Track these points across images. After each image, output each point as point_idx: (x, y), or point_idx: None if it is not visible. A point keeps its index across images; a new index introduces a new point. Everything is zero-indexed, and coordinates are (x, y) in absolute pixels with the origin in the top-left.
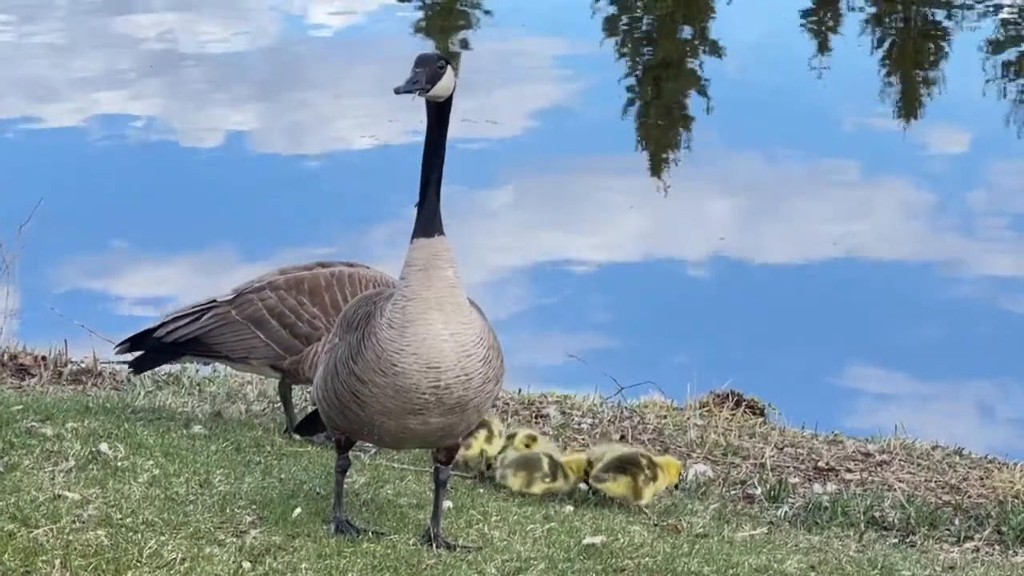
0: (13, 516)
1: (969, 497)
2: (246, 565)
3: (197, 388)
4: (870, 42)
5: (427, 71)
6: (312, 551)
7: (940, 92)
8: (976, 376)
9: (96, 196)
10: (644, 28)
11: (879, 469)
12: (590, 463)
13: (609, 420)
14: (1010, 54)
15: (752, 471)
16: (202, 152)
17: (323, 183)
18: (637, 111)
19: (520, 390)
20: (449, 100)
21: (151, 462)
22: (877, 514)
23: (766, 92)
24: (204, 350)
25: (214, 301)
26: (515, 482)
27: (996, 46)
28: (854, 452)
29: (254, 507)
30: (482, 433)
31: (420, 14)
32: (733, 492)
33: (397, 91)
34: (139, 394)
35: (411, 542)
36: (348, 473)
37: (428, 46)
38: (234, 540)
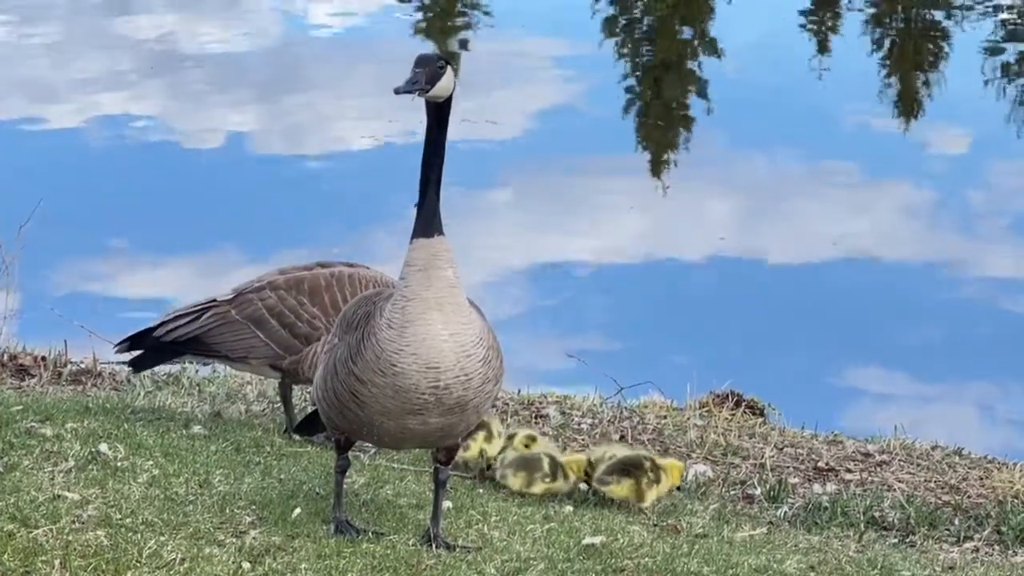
0: (13, 516)
1: (969, 497)
2: (246, 565)
3: (197, 388)
4: (870, 42)
5: (427, 71)
6: (312, 551)
7: (940, 92)
8: (976, 376)
9: (96, 197)
10: (644, 28)
11: (879, 469)
12: (591, 463)
13: (609, 420)
14: (1010, 55)
15: (752, 471)
16: (202, 152)
17: (323, 183)
18: (637, 111)
19: (520, 390)
20: (449, 100)
21: (151, 462)
22: (877, 514)
23: (766, 92)
24: (204, 349)
25: (214, 300)
26: (515, 482)
27: (996, 46)
28: (854, 452)
29: (254, 507)
30: (481, 434)
31: (420, 15)
32: (733, 492)
33: (397, 91)
34: (139, 394)
35: (411, 542)
36: (348, 473)
37: (428, 47)
38: (234, 540)
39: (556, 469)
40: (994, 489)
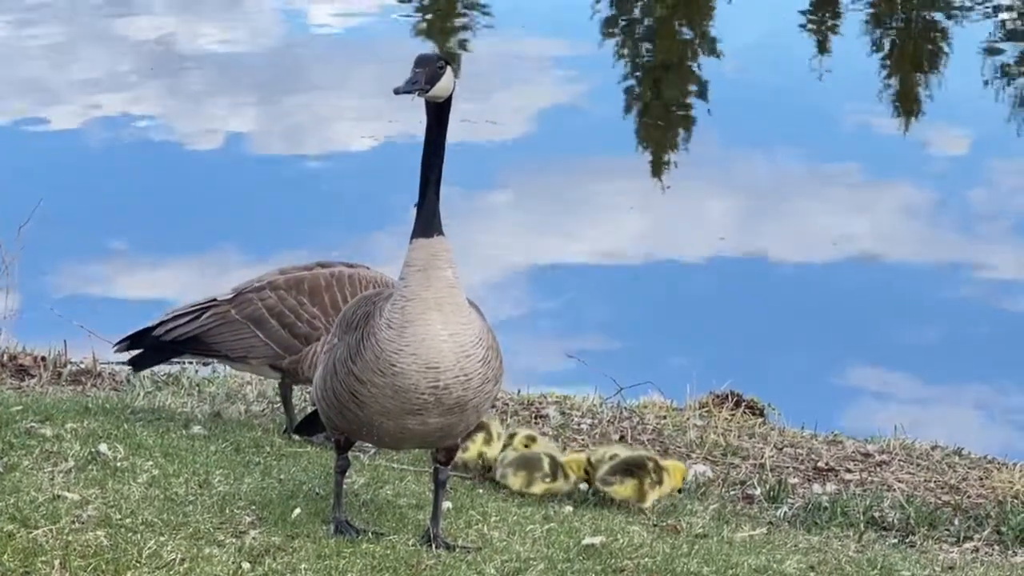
0: (12, 517)
1: (968, 497)
2: (245, 566)
3: (196, 389)
4: (870, 42)
5: (426, 71)
6: (311, 552)
7: (940, 92)
8: (976, 376)
9: (96, 197)
10: (644, 29)
11: (878, 469)
12: (590, 462)
13: (608, 420)
14: (1010, 55)
15: (752, 471)
16: (202, 153)
17: (323, 183)
18: (637, 112)
19: (519, 390)
20: (448, 100)
21: (150, 463)
22: (876, 514)
23: (766, 92)
24: (203, 349)
25: (214, 300)
26: (515, 482)
27: (995, 47)
28: (853, 452)
29: (253, 508)
30: (480, 436)
31: (420, 15)
32: (733, 492)
33: (396, 91)
34: (138, 395)
35: (410, 542)
36: (347, 473)
37: (428, 47)
38: (233, 541)
39: (556, 469)
40: (994, 489)
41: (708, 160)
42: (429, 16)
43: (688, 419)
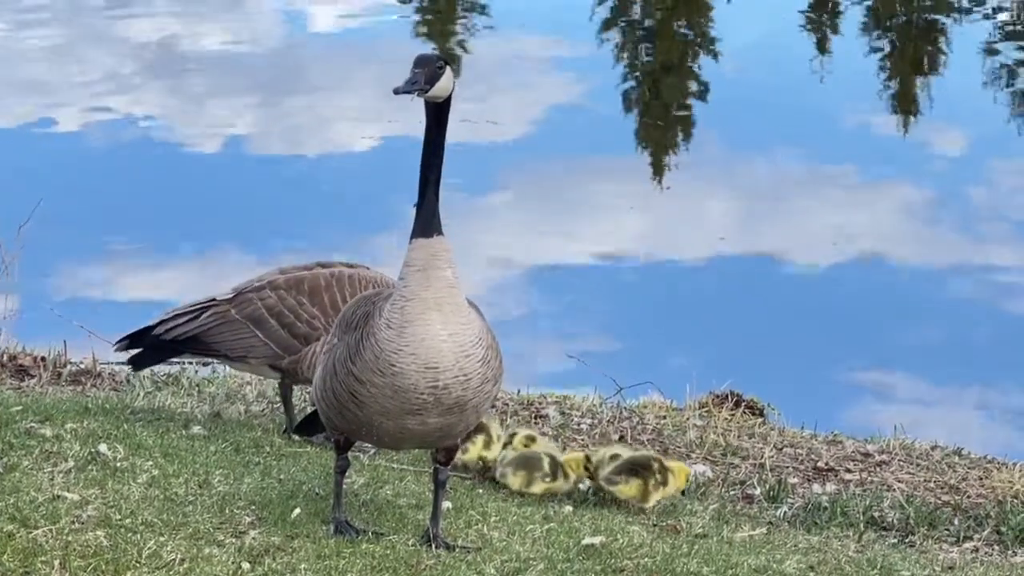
0: (12, 517)
1: (968, 497)
2: (245, 566)
3: (196, 389)
4: (869, 42)
5: (426, 72)
6: (311, 552)
7: (939, 92)
8: (976, 376)
9: (96, 197)
10: (644, 29)
11: (878, 469)
12: (588, 459)
13: (608, 420)
14: (1010, 55)
15: (751, 471)
16: (202, 153)
17: (323, 183)
18: (637, 112)
19: (519, 390)
20: (448, 101)
21: (150, 463)
22: (876, 514)
23: (766, 92)
24: (203, 348)
25: (214, 300)
26: (515, 481)
27: (995, 47)
28: (853, 452)
29: (253, 508)
30: (480, 438)
31: (420, 16)
32: (732, 492)
33: (396, 91)
34: (138, 395)
35: (410, 543)
36: (347, 474)
37: (428, 48)
38: (233, 541)
39: (556, 468)
40: (994, 489)
41: (708, 160)
42: (429, 17)
43: (688, 419)
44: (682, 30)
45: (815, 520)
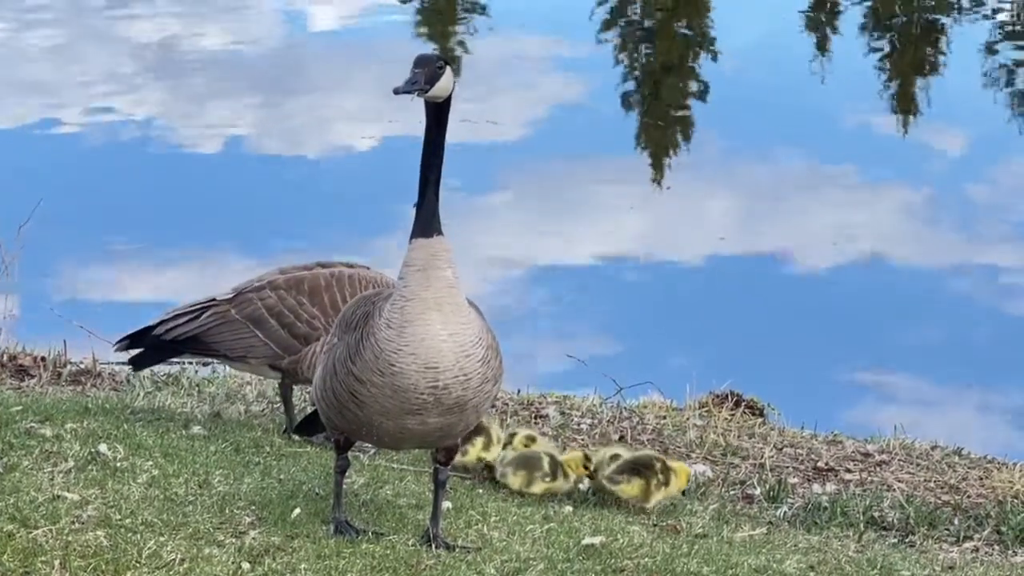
0: (12, 517)
1: (968, 497)
2: (245, 566)
3: (196, 389)
4: (869, 42)
5: (426, 72)
6: (311, 552)
7: (940, 92)
8: (976, 376)
9: (96, 197)
10: (643, 28)
11: (878, 469)
12: (587, 457)
13: (608, 420)
14: (1009, 55)
15: (751, 471)
16: (202, 153)
17: (323, 183)
18: (637, 112)
19: (519, 391)
20: (448, 100)
21: (150, 463)
22: (876, 514)
23: (766, 92)
24: (203, 348)
25: (214, 300)
26: (515, 481)
27: (995, 47)
28: (853, 452)
29: (253, 508)
30: (480, 440)
31: (420, 16)
32: (732, 492)
33: (396, 91)
34: (138, 395)
35: (410, 542)
36: (347, 474)
37: (428, 48)
38: (233, 541)
39: (556, 468)
40: (994, 489)
41: (708, 160)
42: (429, 17)
43: (688, 419)
44: (682, 30)
45: (815, 520)
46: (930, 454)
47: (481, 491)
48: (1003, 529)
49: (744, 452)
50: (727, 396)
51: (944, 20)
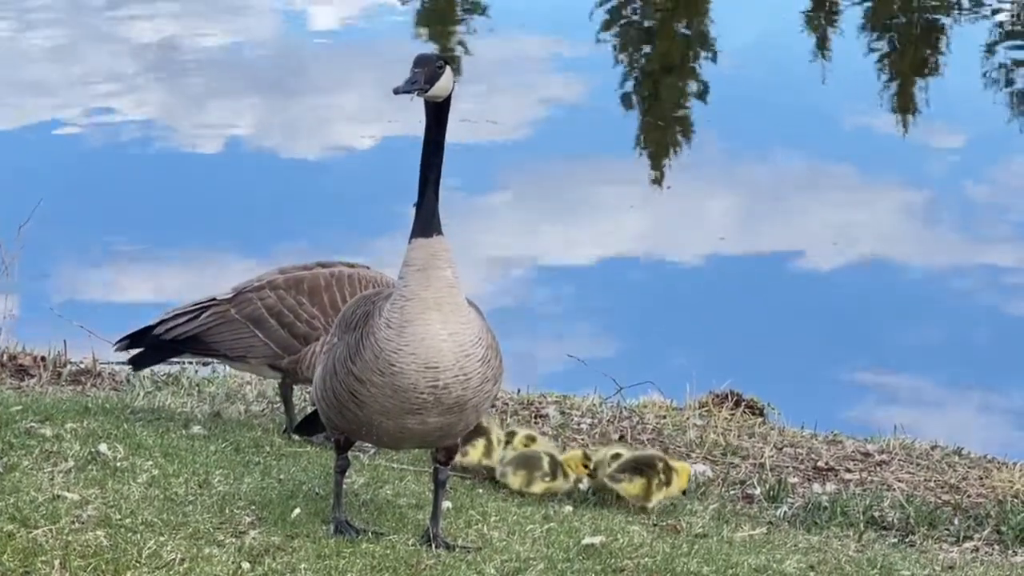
0: (12, 517)
1: (968, 497)
2: (245, 565)
3: (196, 389)
4: (869, 42)
5: (426, 71)
6: (311, 551)
7: (940, 93)
8: (976, 376)
9: (96, 197)
10: (643, 29)
11: (878, 469)
12: (587, 456)
13: (608, 420)
14: (1009, 55)
15: (751, 471)
16: (202, 153)
17: (323, 183)
18: (637, 111)
19: (519, 390)
20: (448, 100)
21: (150, 463)
22: (876, 514)
23: (766, 92)
24: (203, 348)
25: (214, 299)
26: (515, 481)
27: (994, 47)
28: (853, 452)
29: (253, 507)
30: (481, 443)
31: (420, 16)
32: (732, 492)
33: (396, 91)
34: (138, 395)
35: (410, 542)
36: (347, 473)
37: (428, 47)
38: (233, 540)
39: (556, 468)
40: (994, 489)
41: (708, 160)
42: (429, 17)
43: (688, 419)
44: (682, 30)
45: (815, 520)
46: (930, 454)
47: (481, 491)
48: (1003, 529)
49: (744, 452)
50: (727, 396)
51: (944, 20)
